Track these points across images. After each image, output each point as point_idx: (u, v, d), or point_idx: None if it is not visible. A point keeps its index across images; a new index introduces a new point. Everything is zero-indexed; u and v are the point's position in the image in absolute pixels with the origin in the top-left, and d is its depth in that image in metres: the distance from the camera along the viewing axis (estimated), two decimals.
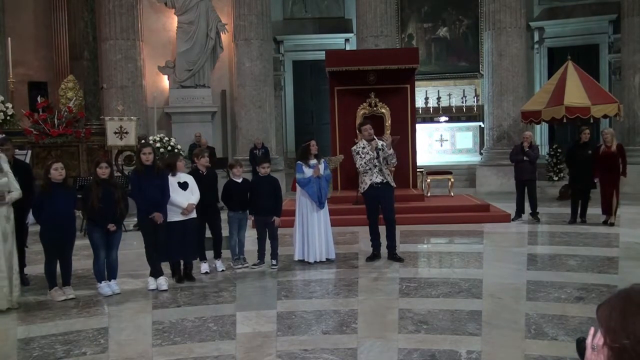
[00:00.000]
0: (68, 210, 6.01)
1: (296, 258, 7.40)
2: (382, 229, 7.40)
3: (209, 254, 7.10)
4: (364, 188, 7.34)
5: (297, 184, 7.42)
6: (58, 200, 5.86)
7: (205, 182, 6.93)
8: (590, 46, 17.05)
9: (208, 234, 7.12)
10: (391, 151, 7.28)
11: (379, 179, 7.20)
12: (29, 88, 14.97)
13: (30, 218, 6.37)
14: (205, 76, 16.08)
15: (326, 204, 7.45)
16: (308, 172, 7.26)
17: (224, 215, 7.26)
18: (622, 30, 15.04)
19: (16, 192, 5.81)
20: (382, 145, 7.24)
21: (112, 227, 6.00)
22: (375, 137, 7.35)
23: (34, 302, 5.96)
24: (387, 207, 7.29)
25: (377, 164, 7.18)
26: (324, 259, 7.34)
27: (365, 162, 7.19)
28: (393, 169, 7.76)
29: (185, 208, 6.43)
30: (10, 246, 5.70)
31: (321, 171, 7.29)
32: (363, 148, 7.26)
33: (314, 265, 7.23)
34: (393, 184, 7.40)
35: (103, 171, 6.01)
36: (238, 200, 7.17)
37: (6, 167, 5.89)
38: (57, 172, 5.88)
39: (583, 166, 9.93)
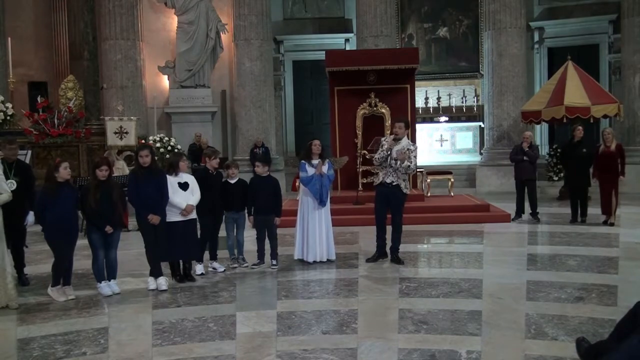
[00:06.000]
0: (70, 210, 5.99)
1: (296, 257, 7.43)
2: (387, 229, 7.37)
3: (205, 255, 7.09)
4: (376, 183, 7.31)
5: (300, 182, 7.45)
6: (64, 199, 5.85)
7: (213, 183, 6.95)
8: (590, 46, 17.06)
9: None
10: (404, 164, 6.96)
11: (389, 179, 7.10)
12: (29, 88, 14.99)
13: (29, 220, 6.36)
14: (205, 76, 16.09)
15: (328, 205, 7.44)
16: (311, 170, 7.28)
17: None
18: (622, 30, 15.05)
19: (5, 195, 5.70)
20: (396, 152, 7.02)
21: (109, 229, 6.00)
22: (399, 140, 7.08)
23: (34, 302, 5.95)
24: (396, 209, 7.20)
25: (392, 164, 7.05)
26: (324, 259, 7.34)
27: (379, 157, 7.13)
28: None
29: (184, 209, 6.43)
30: None
31: (325, 170, 7.29)
32: (387, 143, 7.14)
33: (313, 265, 7.23)
34: (406, 190, 7.19)
35: (103, 174, 6.01)
36: (232, 200, 7.17)
37: None
38: (67, 171, 5.89)
39: (578, 164, 9.93)
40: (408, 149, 7.07)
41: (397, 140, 7.09)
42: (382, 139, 7.40)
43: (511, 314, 5.19)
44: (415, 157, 7.15)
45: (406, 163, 7.01)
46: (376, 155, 7.22)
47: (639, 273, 6.59)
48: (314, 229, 7.29)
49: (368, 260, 7.27)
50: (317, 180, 7.24)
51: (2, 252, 5.70)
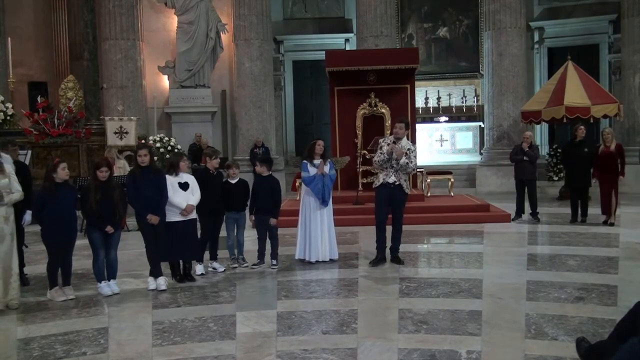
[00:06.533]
0: (69, 210, 6.00)
1: (297, 257, 7.42)
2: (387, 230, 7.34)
3: (205, 255, 7.09)
4: (376, 184, 7.27)
5: (302, 183, 7.45)
6: (62, 199, 5.86)
7: (213, 183, 6.95)
8: (590, 46, 17.06)
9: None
10: (401, 161, 6.96)
11: (391, 180, 7.05)
12: (29, 88, 14.99)
13: (26, 219, 6.36)
14: (205, 76, 16.09)
15: (331, 205, 7.44)
16: (313, 171, 7.28)
17: None
18: (622, 30, 15.05)
19: (17, 194, 5.80)
20: (400, 152, 6.99)
21: (109, 229, 6.00)
22: (399, 141, 7.03)
23: (34, 302, 5.96)
24: (398, 210, 7.17)
25: (394, 164, 7.02)
26: (327, 259, 7.34)
27: (379, 160, 7.11)
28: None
29: (184, 209, 6.43)
30: (7, 247, 5.68)
31: (326, 170, 7.29)
32: (388, 145, 7.05)
33: (314, 265, 7.23)
34: (407, 190, 7.18)
35: (103, 175, 6.01)
36: (233, 200, 7.17)
37: (9, 168, 5.89)
38: (65, 171, 5.91)
39: (579, 164, 9.93)
40: (408, 149, 7.07)
41: (397, 140, 7.09)
42: (381, 140, 7.37)
43: (511, 314, 5.19)
44: (415, 157, 7.14)
45: (404, 160, 6.98)
46: (375, 158, 7.22)
47: (639, 273, 6.60)
48: (316, 229, 7.29)
49: (371, 264, 7.15)
50: (319, 180, 7.24)
51: (11, 252, 5.75)
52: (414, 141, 11.92)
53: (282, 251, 7.48)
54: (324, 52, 13.04)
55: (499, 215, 10.57)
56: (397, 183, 7.07)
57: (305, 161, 7.40)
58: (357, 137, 11.79)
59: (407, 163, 7.02)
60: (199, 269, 6.88)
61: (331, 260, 7.37)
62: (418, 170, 12.21)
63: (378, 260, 7.18)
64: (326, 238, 7.35)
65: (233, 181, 7.26)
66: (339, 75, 11.89)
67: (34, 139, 11.79)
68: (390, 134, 7.50)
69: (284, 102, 18.47)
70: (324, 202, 7.28)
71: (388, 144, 7.09)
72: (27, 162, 9.59)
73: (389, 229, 7.27)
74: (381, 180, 7.14)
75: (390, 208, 7.19)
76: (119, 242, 6.29)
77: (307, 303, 5.70)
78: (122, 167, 10.70)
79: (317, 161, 7.33)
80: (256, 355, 4.37)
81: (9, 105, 12.30)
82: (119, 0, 15.02)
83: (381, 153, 7.10)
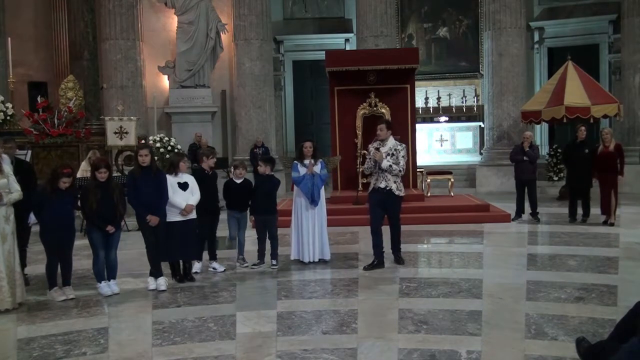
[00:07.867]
0: (68, 210, 6.01)
1: (292, 257, 7.44)
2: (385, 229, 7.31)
3: (205, 255, 7.09)
4: (368, 190, 7.26)
5: (293, 182, 7.49)
6: (58, 201, 5.87)
7: (209, 182, 6.96)
8: (590, 46, 17.06)
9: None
10: (383, 164, 6.86)
11: (382, 185, 6.99)
12: (29, 88, 14.97)
13: (32, 218, 6.37)
14: (205, 76, 16.08)
15: (323, 205, 7.43)
16: (303, 170, 7.32)
17: (223, 215, 7.26)
18: (622, 30, 15.05)
19: (16, 193, 5.81)
20: (372, 154, 6.96)
21: (110, 229, 6.01)
22: (383, 142, 6.96)
23: (34, 302, 5.96)
24: (392, 214, 7.12)
25: (383, 168, 6.97)
26: (317, 260, 7.33)
27: (367, 167, 7.11)
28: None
29: (183, 209, 6.43)
30: (9, 246, 5.70)
31: (317, 170, 7.30)
32: (375, 149, 7.00)
33: (312, 265, 7.23)
34: (398, 192, 7.01)
35: (102, 175, 6.02)
36: (236, 200, 7.18)
37: (7, 168, 5.89)
38: (65, 185, 5.91)
39: (580, 165, 9.92)
40: (395, 149, 6.98)
41: (382, 142, 6.99)
42: (369, 145, 7.32)
43: (511, 314, 5.19)
44: (403, 157, 6.99)
45: (385, 163, 6.86)
46: (365, 165, 7.22)
47: (639, 273, 6.60)
48: (308, 229, 7.30)
49: (365, 269, 7.02)
50: (308, 180, 7.25)
51: (14, 251, 5.76)
52: (414, 141, 11.97)
53: (282, 251, 7.48)
54: (324, 52, 13.03)
55: (499, 215, 10.57)
56: (388, 188, 6.97)
57: (295, 162, 7.45)
58: (357, 137, 11.78)
59: (390, 165, 6.88)
60: (196, 267, 6.89)
61: (322, 261, 7.35)
62: (418, 170, 12.21)
63: (374, 265, 7.03)
64: (317, 238, 7.34)
65: (238, 181, 7.28)
66: (339, 75, 11.88)
67: (34, 139, 11.80)
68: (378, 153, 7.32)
69: (284, 102, 18.47)
70: (313, 202, 7.27)
71: (375, 148, 7.01)
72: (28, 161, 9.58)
73: (385, 231, 7.18)
74: (372, 186, 7.13)
75: (385, 212, 7.14)
76: (119, 242, 6.30)
77: (307, 303, 5.70)
78: (86, 170, 10.56)
79: (305, 161, 7.35)
80: (256, 355, 4.37)
81: (9, 105, 12.28)
82: (119, 0, 15.02)
83: (369, 159, 7.08)
